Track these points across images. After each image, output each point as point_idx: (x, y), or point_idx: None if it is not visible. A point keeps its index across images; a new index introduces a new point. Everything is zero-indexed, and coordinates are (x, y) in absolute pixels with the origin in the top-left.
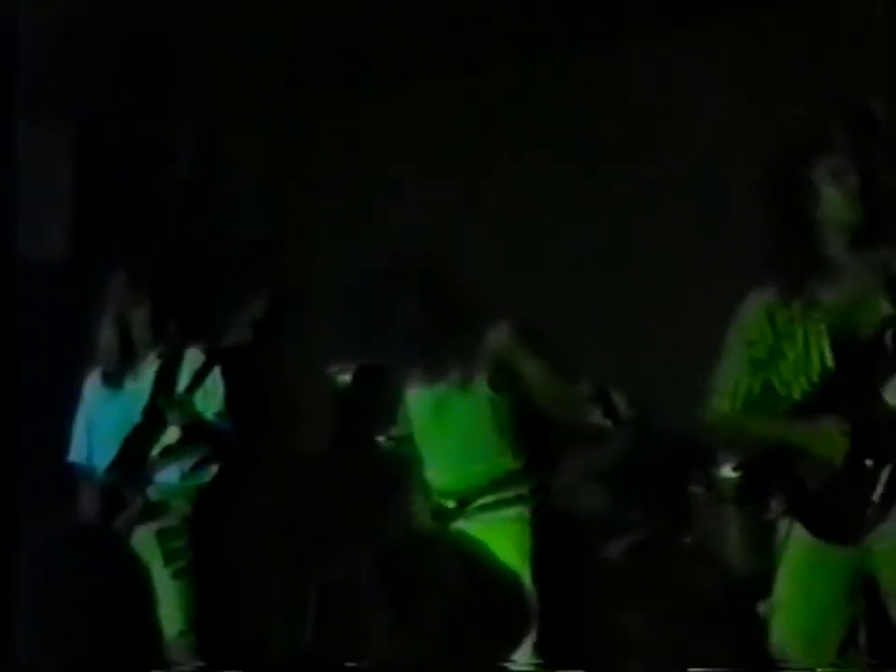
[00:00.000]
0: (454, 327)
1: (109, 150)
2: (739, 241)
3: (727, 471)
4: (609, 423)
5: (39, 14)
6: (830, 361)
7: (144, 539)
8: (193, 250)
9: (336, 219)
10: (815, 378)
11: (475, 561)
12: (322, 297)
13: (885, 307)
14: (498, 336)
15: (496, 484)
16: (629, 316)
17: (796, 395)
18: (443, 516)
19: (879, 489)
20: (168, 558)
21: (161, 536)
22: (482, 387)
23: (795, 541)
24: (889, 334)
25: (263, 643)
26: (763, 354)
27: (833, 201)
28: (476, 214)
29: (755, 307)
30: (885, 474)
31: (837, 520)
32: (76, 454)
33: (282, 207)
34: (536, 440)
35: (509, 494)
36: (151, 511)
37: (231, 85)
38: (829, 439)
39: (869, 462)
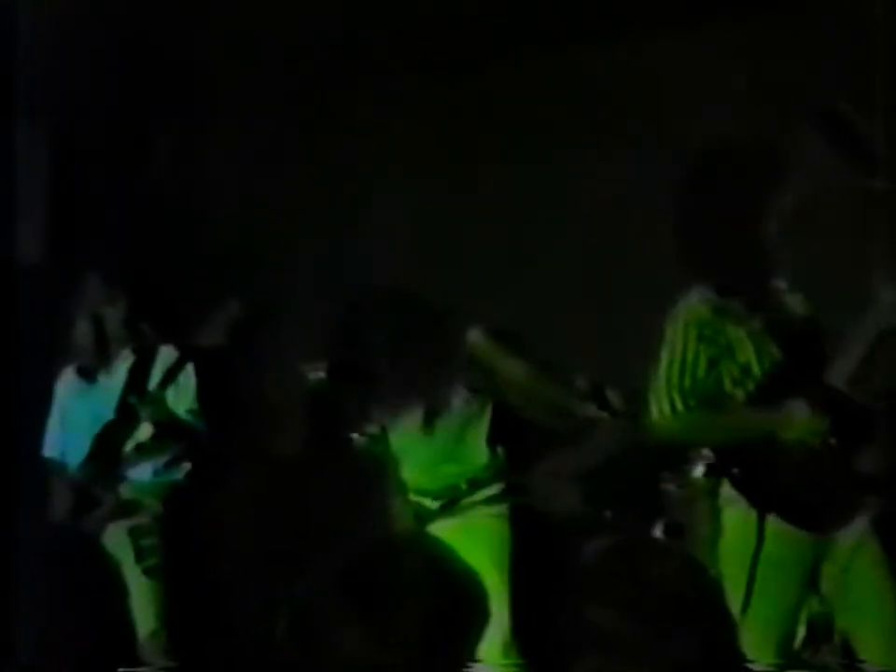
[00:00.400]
0: (432, 331)
1: (87, 148)
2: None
3: (701, 469)
4: (605, 415)
5: (39, 13)
6: (778, 356)
7: (115, 537)
8: (169, 248)
9: (313, 220)
10: (767, 373)
11: (439, 566)
12: (298, 297)
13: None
14: (475, 337)
15: (474, 484)
16: (603, 316)
17: (749, 388)
18: (424, 517)
19: (855, 472)
20: (139, 556)
21: (133, 533)
22: (459, 389)
23: (766, 535)
24: (822, 324)
25: (235, 643)
26: (716, 352)
27: (781, 217)
28: (458, 217)
29: (700, 304)
30: (857, 457)
31: (813, 507)
32: (50, 449)
33: (259, 206)
34: (513, 439)
35: (487, 493)
36: (123, 509)
37: (212, 87)
38: (802, 423)
39: (839, 443)
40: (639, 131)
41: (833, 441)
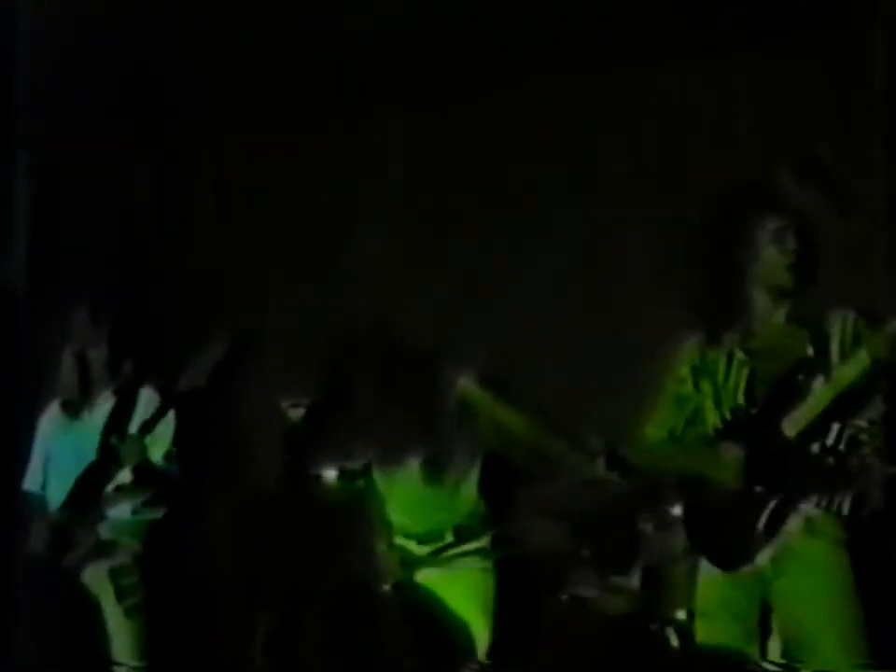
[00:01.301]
0: (418, 372)
1: (73, 183)
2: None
3: (677, 510)
4: (616, 476)
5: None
6: (741, 397)
7: (95, 577)
8: (153, 287)
9: (298, 258)
10: (727, 413)
11: (424, 618)
12: (282, 337)
13: (804, 349)
14: (465, 383)
15: (460, 533)
16: (583, 355)
17: (707, 430)
18: (410, 563)
19: (765, 515)
20: (121, 595)
21: (113, 574)
22: (448, 433)
23: (703, 573)
24: (800, 371)
25: None
26: (689, 390)
27: (770, 261)
28: (446, 257)
29: (688, 348)
30: (773, 500)
31: (725, 545)
32: (30, 482)
33: (244, 243)
34: (502, 487)
35: (475, 545)
36: (102, 549)
37: (198, 120)
38: (724, 464)
39: (759, 488)
40: (635, 169)
41: (758, 488)
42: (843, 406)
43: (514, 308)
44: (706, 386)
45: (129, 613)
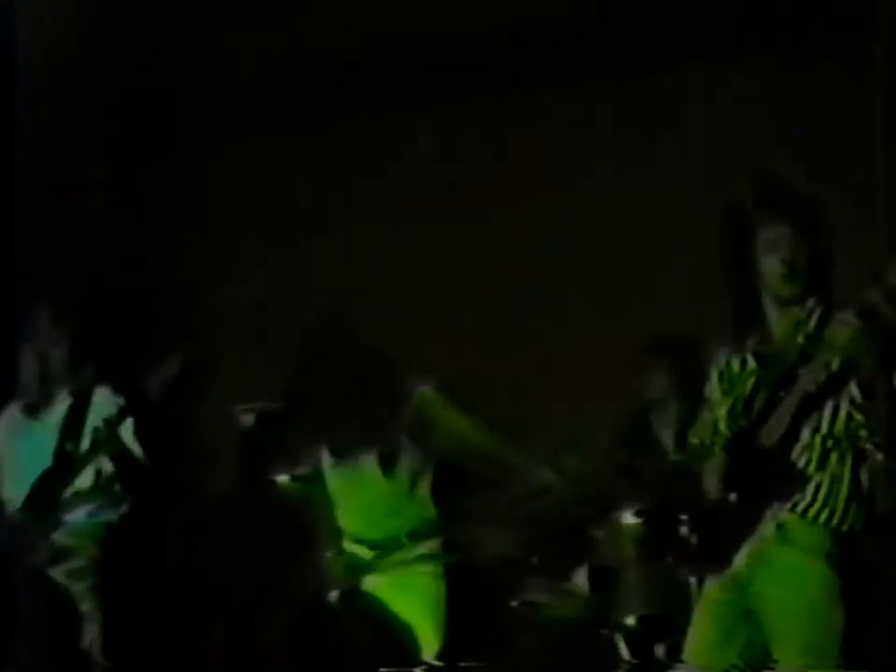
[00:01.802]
0: (376, 378)
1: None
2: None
3: (629, 517)
4: (559, 479)
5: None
6: (740, 406)
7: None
8: (115, 291)
9: (257, 263)
10: (731, 422)
11: (373, 624)
12: (238, 341)
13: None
14: (424, 391)
15: (411, 536)
16: (540, 365)
17: (720, 444)
18: (357, 569)
19: (738, 522)
20: (78, 597)
21: (70, 576)
22: (404, 440)
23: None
24: (787, 379)
25: None
26: (718, 397)
27: (768, 271)
28: (402, 265)
29: (721, 359)
30: (747, 508)
31: (708, 550)
32: None
33: (204, 250)
34: (455, 493)
35: (423, 549)
36: (58, 556)
37: (171, 130)
38: (706, 473)
39: (733, 496)
40: (626, 174)
41: (733, 496)
42: (811, 413)
43: (474, 316)
44: (725, 394)
45: (87, 614)
